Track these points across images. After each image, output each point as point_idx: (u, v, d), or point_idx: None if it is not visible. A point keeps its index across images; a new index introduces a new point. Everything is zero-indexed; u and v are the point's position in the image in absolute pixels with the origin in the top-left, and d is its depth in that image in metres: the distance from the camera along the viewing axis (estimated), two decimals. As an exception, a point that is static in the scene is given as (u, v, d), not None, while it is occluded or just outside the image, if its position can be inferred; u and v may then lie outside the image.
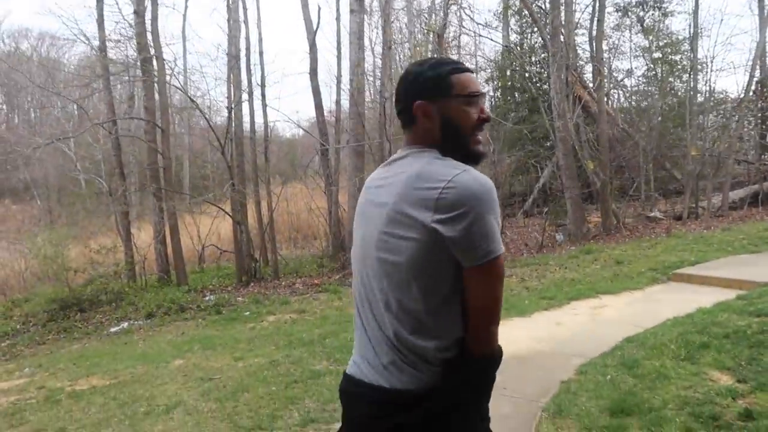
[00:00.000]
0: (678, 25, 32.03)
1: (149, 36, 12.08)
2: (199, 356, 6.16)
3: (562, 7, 14.03)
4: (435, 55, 14.33)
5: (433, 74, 1.47)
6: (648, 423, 3.49)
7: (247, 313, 9.34)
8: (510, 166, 17.73)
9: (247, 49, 13.49)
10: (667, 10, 17.99)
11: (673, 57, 17.42)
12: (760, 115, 16.79)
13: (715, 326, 5.20)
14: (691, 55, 16.25)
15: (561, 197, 14.89)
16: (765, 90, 16.45)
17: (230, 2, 13.00)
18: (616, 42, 18.97)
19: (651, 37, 17.71)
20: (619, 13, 18.57)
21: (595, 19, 15.94)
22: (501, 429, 2.77)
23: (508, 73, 19.68)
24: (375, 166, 12.91)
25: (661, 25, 17.98)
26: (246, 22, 13.59)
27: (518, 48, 19.30)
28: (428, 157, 1.44)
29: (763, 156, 17.03)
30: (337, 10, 15.03)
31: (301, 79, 38.81)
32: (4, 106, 39.67)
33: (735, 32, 30.43)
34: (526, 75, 18.16)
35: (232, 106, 12.46)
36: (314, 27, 13.59)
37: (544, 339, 5.71)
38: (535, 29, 17.51)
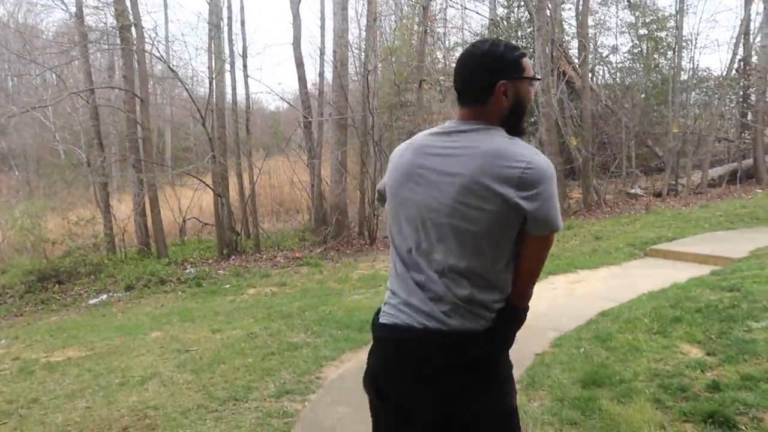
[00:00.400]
0: (664, 1, 31.86)
1: (128, 3, 11.76)
2: (177, 328, 6.14)
3: (549, -19, 13.90)
4: (424, 29, 14.21)
5: (511, 56, 1.61)
6: (618, 394, 3.55)
7: (228, 286, 9.31)
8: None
9: (229, 18, 13.25)
10: (654, -15, 17.91)
11: (658, 34, 17.41)
12: (741, 93, 16.90)
13: (688, 301, 5.28)
14: (676, 32, 16.23)
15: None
16: (747, 68, 16.52)
17: (211, -31, 12.69)
18: (602, 17, 18.91)
19: (637, 13, 17.66)
20: (606, -12, 18.46)
21: (582, -7, 15.82)
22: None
23: (494, 47, 19.52)
24: (358, 140, 12.90)
25: (648, 1, 17.90)
26: (227, -11, 13.31)
27: (505, 22, 19.13)
28: (499, 134, 1.57)
29: (743, 134, 17.18)
30: (322, -21, 14.76)
31: (284, 50, 38.29)
32: (-20, 74, 38.70)
33: (720, 9, 30.48)
34: (512, 49, 18.02)
35: (214, 76, 12.24)
36: (298, -4, 13.35)
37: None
38: (522, 3, 17.36)
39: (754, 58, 16.48)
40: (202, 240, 14.69)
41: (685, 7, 16.00)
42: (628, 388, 3.61)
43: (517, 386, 3.79)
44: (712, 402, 3.31)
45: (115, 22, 12.16)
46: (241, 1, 30.47)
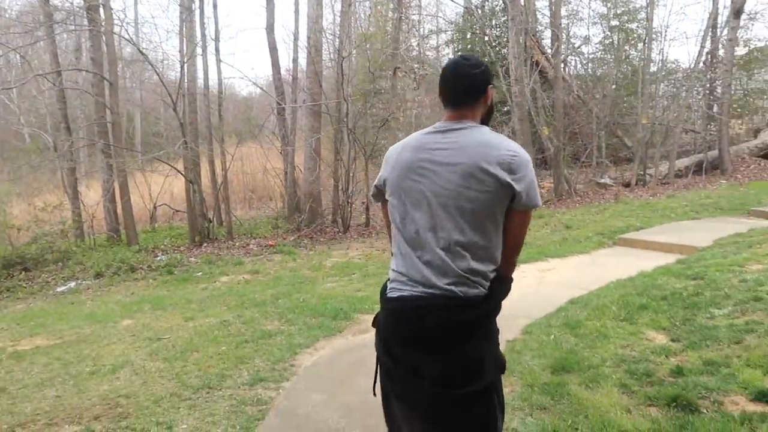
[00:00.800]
0: (636, -7, 32.20)
1: (96, -18, 11.44)
2: (148, 316, 6.07)
3: (523, -29, 13.95)
4: (399, 16, 14.17)
5: (489, 69, 1.99)
6: (586, 379, 3.65)
7: (200, 273, 9.23)
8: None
9: (201, 0, 12.99)
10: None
11: (629, 25, 17.64)
12: (708, 85, 17.26)
13: (654, 289, 5.43)
14: (647, 24, 16.47)
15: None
16: (714, 61, 16.87)
17: (182, -50, 12.42)
18: (575, 8, 19.09)
19: (609, 4, 17.86)
20: (580, -21, 18.60)
21: (555, -17, 15.92)
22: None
23: (468, 35, 19.58)
24: (332, 127, 12.83)
25: (620, -8, 18.10)
26: (199, -29, 13.03)
27: (479, 10, 19.16)
28: (486, 130, 1.92)
29: (709, 126, 17.57)
30: (296, -37, 14.55)
31: (258, 34, 37.67)
32: (-61, 54, 37.26)
33: (689, 2, 30.89)
34: (486, 39, 18.10)
35: (185, 60, 12.02)
36: (271, -20, 13.16)
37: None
38: (496, -8, 17.40)
39: (721, 51, 16.84)
40: (174, 227, 14.51)
41: (655, 0, 16.24)
42: (596, 374, 3.71)
43: (489, 372, 3.88)
44: (676, 386, 3.43)
45: (82, 2, 11.83)
46: (213, -16, 29.81)
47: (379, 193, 2.11)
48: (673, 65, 18.35)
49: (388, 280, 2.00)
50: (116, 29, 12.08)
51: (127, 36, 12.64)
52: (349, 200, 12.33)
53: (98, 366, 4.32)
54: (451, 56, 20.46)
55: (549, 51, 17.31)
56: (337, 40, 13.83)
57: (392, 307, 1.92)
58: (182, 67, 12.04)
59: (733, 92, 17.36)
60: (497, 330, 1.98)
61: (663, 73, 17.48)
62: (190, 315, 5.86)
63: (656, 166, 15.45)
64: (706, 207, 10.78)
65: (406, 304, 1.87)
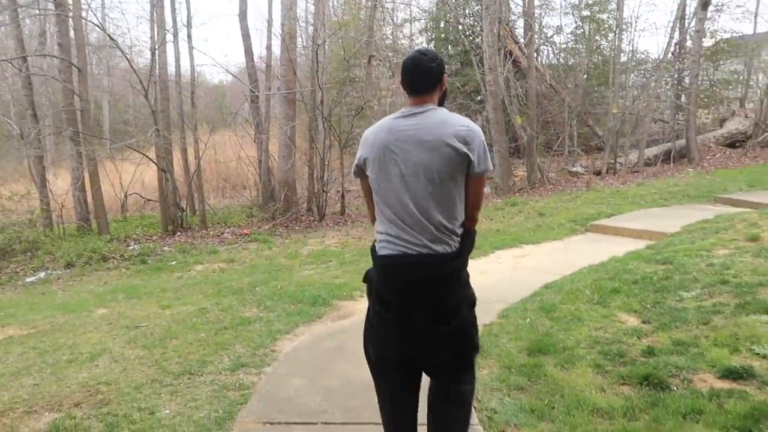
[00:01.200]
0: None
1: (62, -34, 11.15)
2: (124, 305, 6.01)
3: (497, -40, 13.99)
4: (373, 4, 14.11)
5: (443, 60, 2.36)
6: (561, 361, 3.75)
7: (174, 262, 9.15)
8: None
9: (172, -15, 12.76)
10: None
11: (600, 16, 17.85)
12: (676, 76, 17.61)
13: (625, 273, 5.58)
14: (617, 14, 16.70)
15: (489, 151, 15.24)
16: (682, 52, 17.20)
17: (152, -66, 12.17)
18: (548, -2, 19.18)
19: (581, -5, 18.04)
20: (552, -31, 18.72)
21: (528, -27, 16.01)
22: (427, 366, 2.90)
23: (442, 24, 19.60)
24: (307, 115, 12.76)
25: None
26: (170, -45, 12.79)
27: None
28: (443, 111, 2.29)
29: (677, 116, 17.95)
30: (269, -51, 14.39)
31: (230, 21, 37.11)
32: None
33: (659, -7, 31.52)
34: (460, 27, 18.15)
35: (156, 47, 11.81)
36: (244, -34, 12.98)
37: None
38: (470, -20, 17.44)
39: (689, 42, 17.17)
40: (145, 216, 14.31)
41: (626, -9, 16.46)
42: (570, 355, 3.82)
43: (467, 355, 3.96)
44: (647, 366, 3.55)
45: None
46: (184, -31, 29.25)
47: (360, 171, 2.43)
48: (643, 56, 18.67)
49: (375, 241, 2.35)
50: (83, 14, 11.80)
51: (95, 21, 12.38)
52: (325, 188, 12.31)
53: (75, 354, 4.27)
54: (425, 45, 20.52)
55: (522, 41, 17.44)
56: (312, 27, 13.74)
57: (384, 263, 2.29)
58: (153, 54, 11.84)
59: (700, 83, 17.74)
60: (468, 275, 2.37)
61: (633, 64, 17.77)
62: (167, 303, 5.82)
63: (626, 154, 15.74)
64: (674, 195, 11.05)
65: (396, 261, 2.25)
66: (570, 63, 18.27)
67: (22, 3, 12.14)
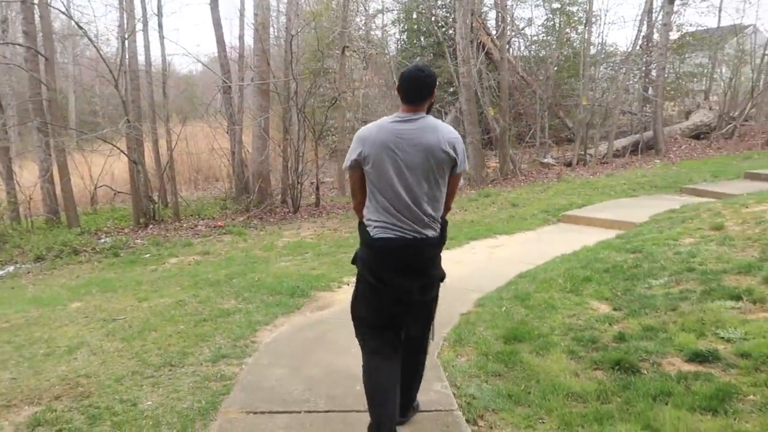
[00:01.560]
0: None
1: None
2: (99, 298, 5.95)
3: (470, -48, 14.04)
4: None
5: (435, 75, 2.73)
6: (537, 347, 3.86)
7: (148, 255, 9.05)
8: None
9: (141, -27, 12.52)
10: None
11: (570, 8, 18.07)
12: (644, 68, 17.96)
13: (597, 262, 5.74)
14: (587, 7, 16.94)
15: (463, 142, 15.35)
16: (650, 45, 17.54)
17: None
18: (519, -10, 19.31)
19: (551, -13, 18.21)
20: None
21: (500, -34, 16.10)
22: (409, 354, 2.97)
23: (415, 15, 19.62)
24: (281, 106, 12.69)
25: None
26: (139, -57, 12.53)
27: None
28: (431, 118, 2.68)
29: (644, 108, 18.32)
30: (240, -63, 14.20)
31: (202, 10, 36.49)
32: None
33: (627, -13, 31.97)
34: (432, 19, 18.20)
35: (126, 36, 11.60)
36: (215, -46, 12.79)
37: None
38: (443, -28, 17.46)
39: (656, 36, 17.53)
40: (116, 209, 14.08)
41: (595, -16, 16.68)
42: (545, 342, 3.94)
43: (445, 344, 4.06)
44: (619, 351, 3.68)
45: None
46: (151, -44, 28.65)
47: (357, 165, 2.71)
48: (612, 48, 19.00)
49: (367, 226, 2.70)
50: (50, 1, 11.51)
51: (61, 8, 12.09)
52: (299, 180, 12.28)
53: (53, 348, 4.23)
54: (397, 36, 20.54)
55: (494, 32, 17.57)
56: (284, 17, 13.64)
57: (380, 245, 2.66)
58: (123, 43, 11.62)
59: (666, 75, 18.13)
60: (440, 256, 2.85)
61: (602, 56, 18.06)
62: (144, 296, 5.78)
63: (596, 146, 16.04)
64: (642, 185, 11.32)
65: (392, 243, 2.64)
66: (541, 55, 18.46)
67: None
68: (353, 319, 2.88)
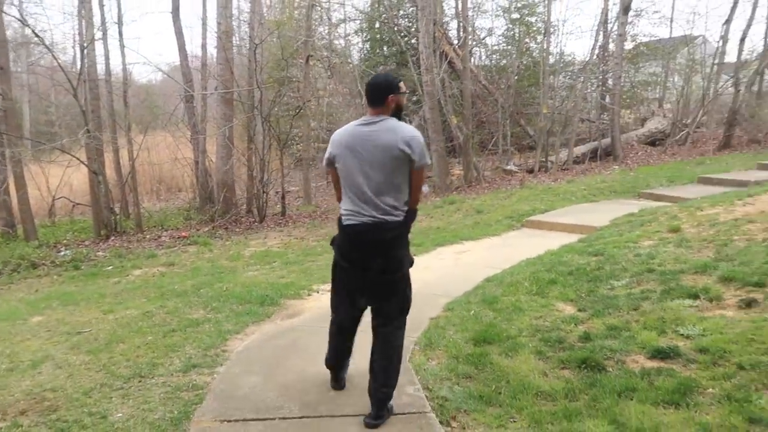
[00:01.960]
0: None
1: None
2: (61, 312, 5.81)
3: (431, -37, 14.24)
4: (311, 3, 14.05)
5: (395, 82, 3.05)
6: (506, 349, 3.94)
7: (110, 267, 8.86)
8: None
9: (100, -19, 12.30)
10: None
11: (529, 18, 18.48)
12: (601, 77, 18.48)
13: (561, 265, 5.88)
14: (545, 18, 17.36)
15: (428, 150, 15.51)
16: (606, 54, 18.07)
17: (78, -73, 11.70)
18: (479, 0, 19.68)
19: (511, -2, 18.61)
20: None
21: (461, -24, 16.36)
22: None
23: (377, 25, 19.77)
24: (245, 115, 12.62)
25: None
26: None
27: (386, 0, 19.38)
28: (394, 121, 3.01)
29: (602, 115, 18.83)
30: (201, -54, 14.10)
31: (163, 18, 35.97)
32: None
33: (583, -1, 33.00)
34: (395, 28, 18.38)
35: (85, 44, 11.38)
36: (176, -37, 12.67)
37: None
38: (405, -18, 17.65)
39: (612, 45, 18.06)
40: (75, 221, 13.74)
41: (553, -5, 17.11)
42: (514, 343, 4.03)
43: (416, 347, 4.11)
44: (585, 350, 3.79)
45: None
46: (109, -36, 28.08)
47: (330, 163, 3.15)
48: (570, 58, 19.49)
49: (341, 215, 3.10)
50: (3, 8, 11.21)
51: (16, 15, 11.79)
52: (264, 189, 12.21)
53: (15, 362, 4.12)
54: (360, 45, 20.68)
55: (456, 42, 17.83)
56: (247, 26, 13.58)
57: (348, 231, 3.08)
58: (83, 51, 11.39)
59: (622, 84, 18.68)
60: (408, 241, 3.19)
61: (561, 65, 18.50)
62: (108, 308, 5.66)
63: (557, 153, 16.40)
64: (602, 190, 11.63)
65: (357, 228, 3.03)
66: (502, 64, 18.81)
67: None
68: (333, 287, 3.35)
